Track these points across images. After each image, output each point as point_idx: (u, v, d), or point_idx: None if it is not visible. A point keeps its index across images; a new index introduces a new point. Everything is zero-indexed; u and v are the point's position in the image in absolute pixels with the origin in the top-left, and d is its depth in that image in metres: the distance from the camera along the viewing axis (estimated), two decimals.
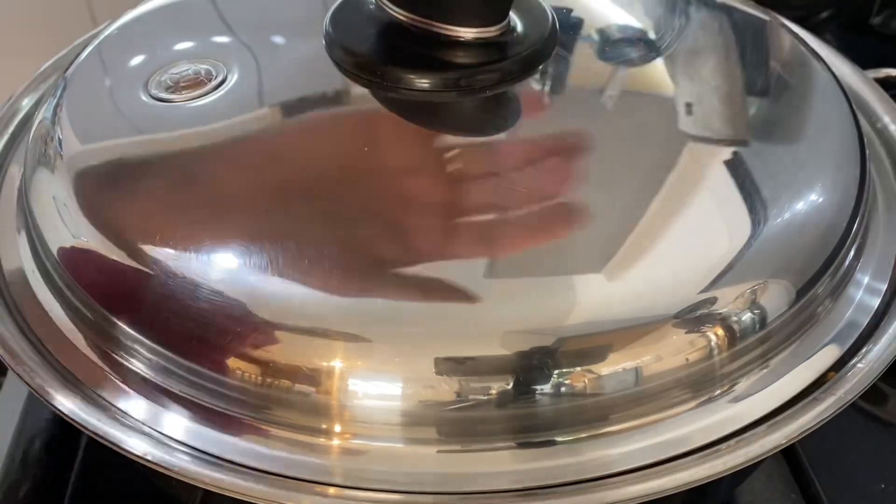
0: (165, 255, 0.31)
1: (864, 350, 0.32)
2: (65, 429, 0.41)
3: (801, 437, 0.30)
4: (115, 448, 0.30)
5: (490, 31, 0.34)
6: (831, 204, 0.34)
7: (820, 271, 0.33)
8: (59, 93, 0.39)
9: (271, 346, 0.29)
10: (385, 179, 0.33)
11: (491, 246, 0.31)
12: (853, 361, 0.32)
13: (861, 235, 0.35)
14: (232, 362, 0.30)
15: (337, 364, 0.29)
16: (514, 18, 0.36)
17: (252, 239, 0.31)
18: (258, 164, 0.33)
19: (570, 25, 0.39)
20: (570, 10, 0.39)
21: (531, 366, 0.29)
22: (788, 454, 0.43)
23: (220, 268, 0.30)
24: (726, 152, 0.34)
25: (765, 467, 0.43)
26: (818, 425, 0.30)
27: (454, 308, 0.29)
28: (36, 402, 0.42)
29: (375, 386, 0.29)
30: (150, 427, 0.30)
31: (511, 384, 0.29)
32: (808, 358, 0.32)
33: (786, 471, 0.43)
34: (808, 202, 0.33)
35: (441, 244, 0.31)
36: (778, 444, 0.29)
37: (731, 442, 0.30)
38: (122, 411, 0.31)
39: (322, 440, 0.30)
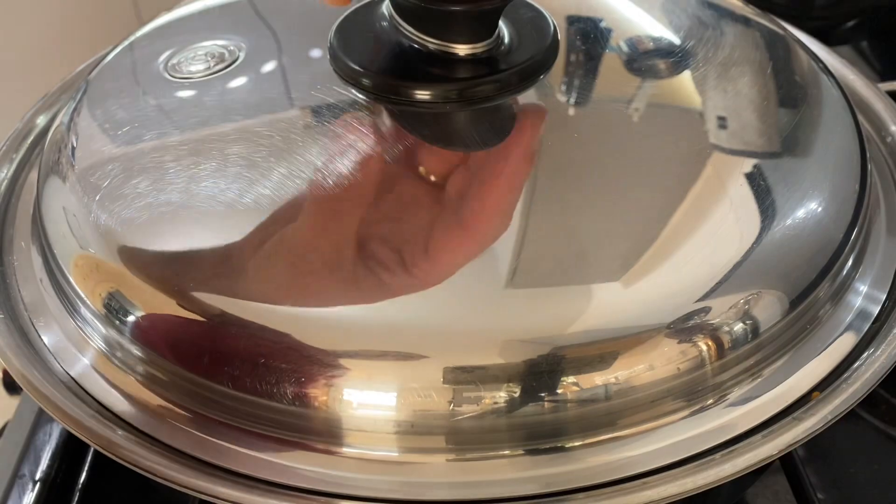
0: (178, 268, 0.32)
1: (860, 359, 0.32)
2: (72, 442, 0.42)
3: (792, 448, 0.30)
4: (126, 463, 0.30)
5: (478, 48, 0.35)
6: (829, 216, 0.34)
7: (815, 282, 0.33)
8: (78, 96, 0.40)
9: (281, 361, 0.30)
10: (388, 190, 0.33)
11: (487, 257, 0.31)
12: (851, 369, 0.32)
13: (860, 246, 0.35)
14: (239, 375, 0.30)
15: (347, 377, 0.29)
16: (514, 32, 0.36)
17: (253, 249, 0.31)
18: (259, 175, 0.34)
19: (592, 34, 0.39)
20: (599, 20, 0.40)
21: (532, 374, 0.29)
22: (790, 473, 0.43)
23: (226, 284, 0.31)
24: (726, 165, 0.34)
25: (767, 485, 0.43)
26: (811, 436, 0.30)
27: (457, 320, 0.30)
28: (45, 416, 0.43)
29: (385, 397, 0.29)
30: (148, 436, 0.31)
31: (512, 392, 0.29)
32: (803, 367, 0.32)
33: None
34: (806, 214, 0.33)
35: (442, 257, 0.31)
36: (770, 454, 0.29)
37: (728, 449, 0.30)
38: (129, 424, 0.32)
39: (333, 453, 0.30)
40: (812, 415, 0.30)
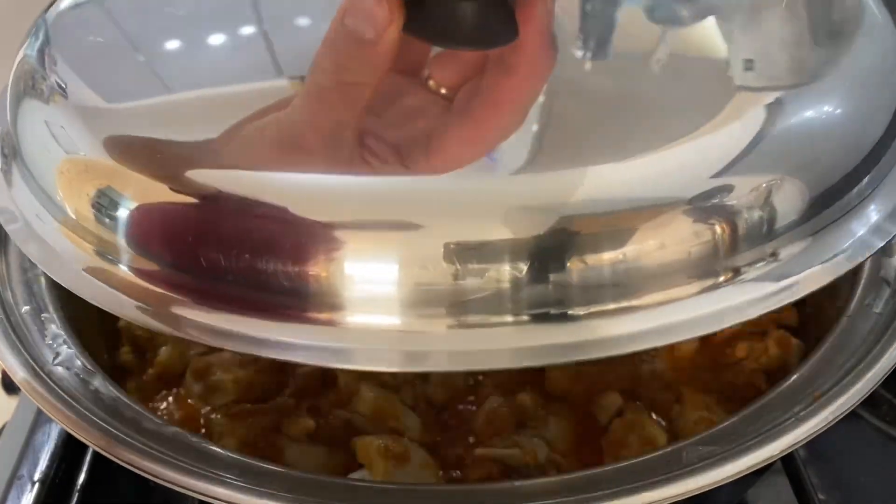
0: (168, 151, 0.31)
1: (861, 359, 0.32)
2: (70, 443, 0.42)
3: (793, 448, 0.30)
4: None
5: None
6: (860, 124, 0.33)
7: (839, 184, 0.32)
8: (40, 33, 0.37)
9: (278, 235, 0.29)
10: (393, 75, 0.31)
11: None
12: (850, 369, 0.32)
13: (886, 162, 0.34)
14: (237, 251, 0.29)
15: (346, 249, 0.28)
16: None
17: (244, 125, 0.30)
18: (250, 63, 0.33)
19: None
20: None
21: (543, 246, 0.28)
22: (792, 473, 0.43)
23: (219, 160, 0.30)
24: (754, 73, 0.33)
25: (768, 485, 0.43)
26: (812, 436, 0.30)
27: (464, 191, 0.29)
28: (43, 417, 0.43)
29: (386, 268, 0.28)
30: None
31: (521, 263, 0.28)
32: (817, 263, 0.31)
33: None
34: (835, 114, 0.32)
35: (451, 132, 0.30)
36: (771, 455, 0.29)
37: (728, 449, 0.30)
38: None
39: (337, 322, 0.29)
40: (813, 415, 0.30)
